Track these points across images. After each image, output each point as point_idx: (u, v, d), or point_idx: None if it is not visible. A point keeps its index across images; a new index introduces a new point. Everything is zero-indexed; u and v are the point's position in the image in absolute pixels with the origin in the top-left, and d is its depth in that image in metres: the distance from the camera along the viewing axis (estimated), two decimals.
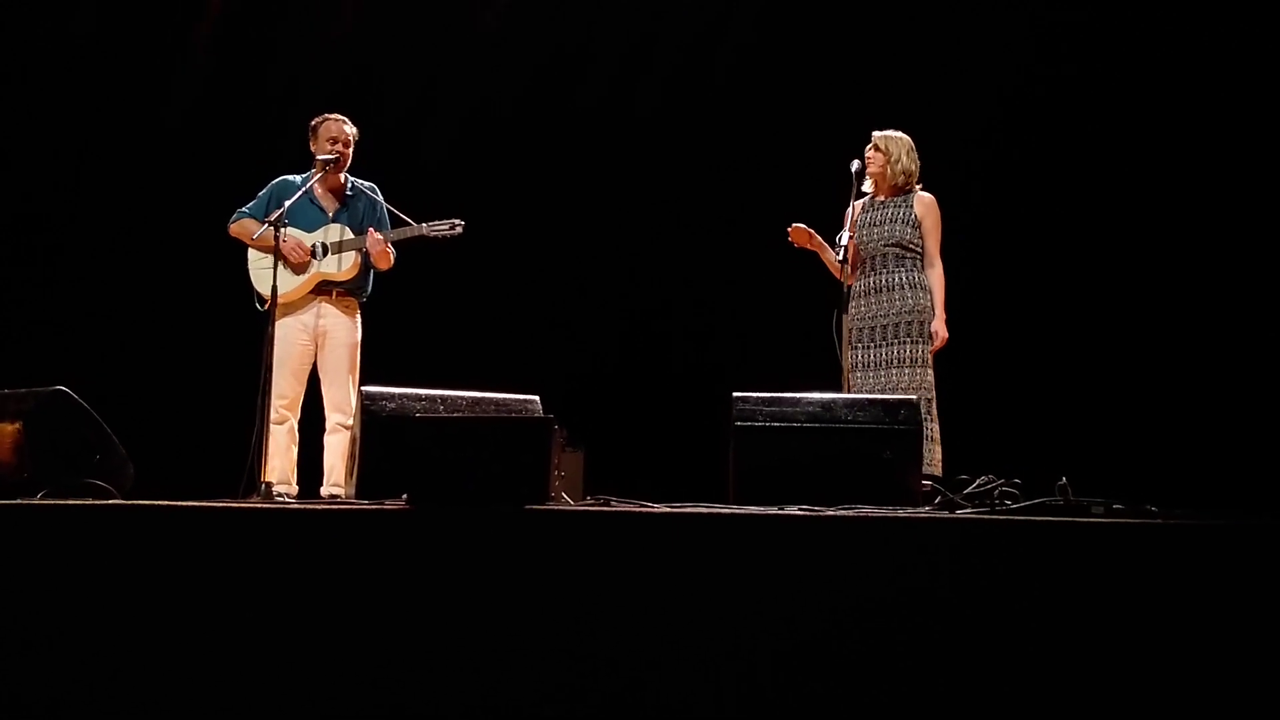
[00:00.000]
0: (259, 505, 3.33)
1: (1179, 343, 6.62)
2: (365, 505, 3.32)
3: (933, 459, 4.94)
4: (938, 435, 5.03)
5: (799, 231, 5.25)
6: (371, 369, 5.32)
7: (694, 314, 7.23)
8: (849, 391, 4.98)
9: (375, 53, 7.08)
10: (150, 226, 6.87)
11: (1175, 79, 6.69)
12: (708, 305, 7.20)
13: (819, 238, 5.25)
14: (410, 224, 5.25)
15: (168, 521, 3.06)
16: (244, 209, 5.35)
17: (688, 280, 7.23)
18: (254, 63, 7.01)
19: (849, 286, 5.15)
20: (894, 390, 5.03)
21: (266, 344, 4.84)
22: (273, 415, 5.10)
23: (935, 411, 5.06)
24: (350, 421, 5.00)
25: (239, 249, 5.37)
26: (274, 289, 4.95)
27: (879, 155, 5.23)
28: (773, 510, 3.35)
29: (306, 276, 5.25)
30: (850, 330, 5.17)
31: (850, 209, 5.24)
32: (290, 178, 5.35)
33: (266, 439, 4.75)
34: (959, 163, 6.03)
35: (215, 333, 6.43)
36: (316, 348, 5.29)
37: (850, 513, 3.32)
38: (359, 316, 5.37)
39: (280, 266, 5.12)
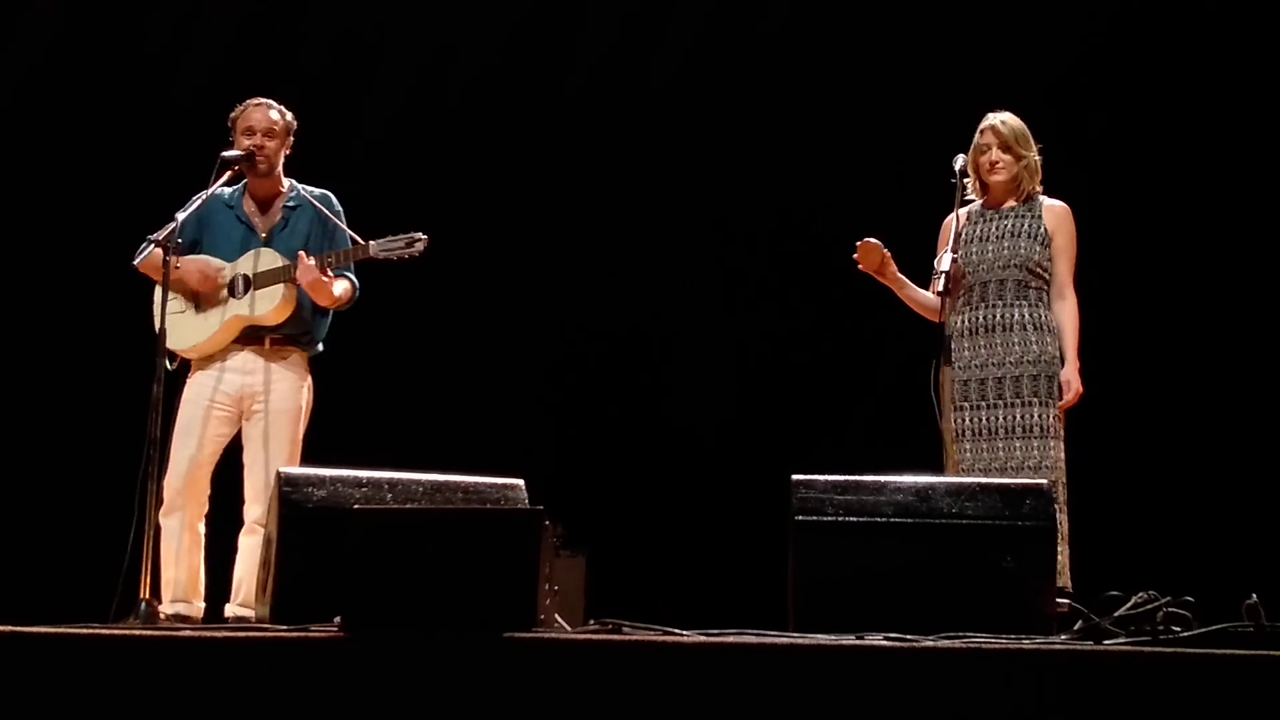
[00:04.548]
0: (132, 632, 3.29)
1: None
2: (282, 632, 3.33)
3: (1059, 565, 4.88)
4: (1066, 532, 4.97)
5: (869, 250, 5.16)
6: (305, 443, 5.30)
7: (737, 367, 7.21)
8: (953, 471, 4.91)
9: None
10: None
11: None
12: (756, 354, 7.19)
13: (894, 266, 5.20)
14: (357, 241, 5.24)
15: (12, 651, 3.07)
16: (156, 235, 5.19)
17: (727, 322, 7.22)
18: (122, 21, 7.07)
19: (949, 328, 5.09)
20: (1010, 469, 5.02)
21: (153, 409, 4.82)
22: (162, 505, 5.07)
23: (1064, 500, 5.01)
24: None
25: (125, 289, 5.35)
26: (161, 334, 4.92)
27: (1007, 157, 5.17)
28: (848, 639, 3.33)
29: (221, 320, 5.22)
30: (954, 385, 5.10)
31: (953, 219, 5.18)
32: (220, 191, 5.33)
33: (149, 539, 4.70)
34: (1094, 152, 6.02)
35: (97, 402, 6.46)
36: (241, 415, 5.26)
37: (956, 644, 3.28)
38: (308, 375, 5.36)
39: (184, 306, 5.12)
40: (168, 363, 5.11)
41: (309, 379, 5.34)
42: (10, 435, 6.83)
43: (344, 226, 5.34)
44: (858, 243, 5.19)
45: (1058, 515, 4.84)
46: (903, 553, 3.81)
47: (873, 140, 6.88)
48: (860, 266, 5.21)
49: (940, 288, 5.07)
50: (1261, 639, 3.54)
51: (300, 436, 5.29)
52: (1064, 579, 4.89)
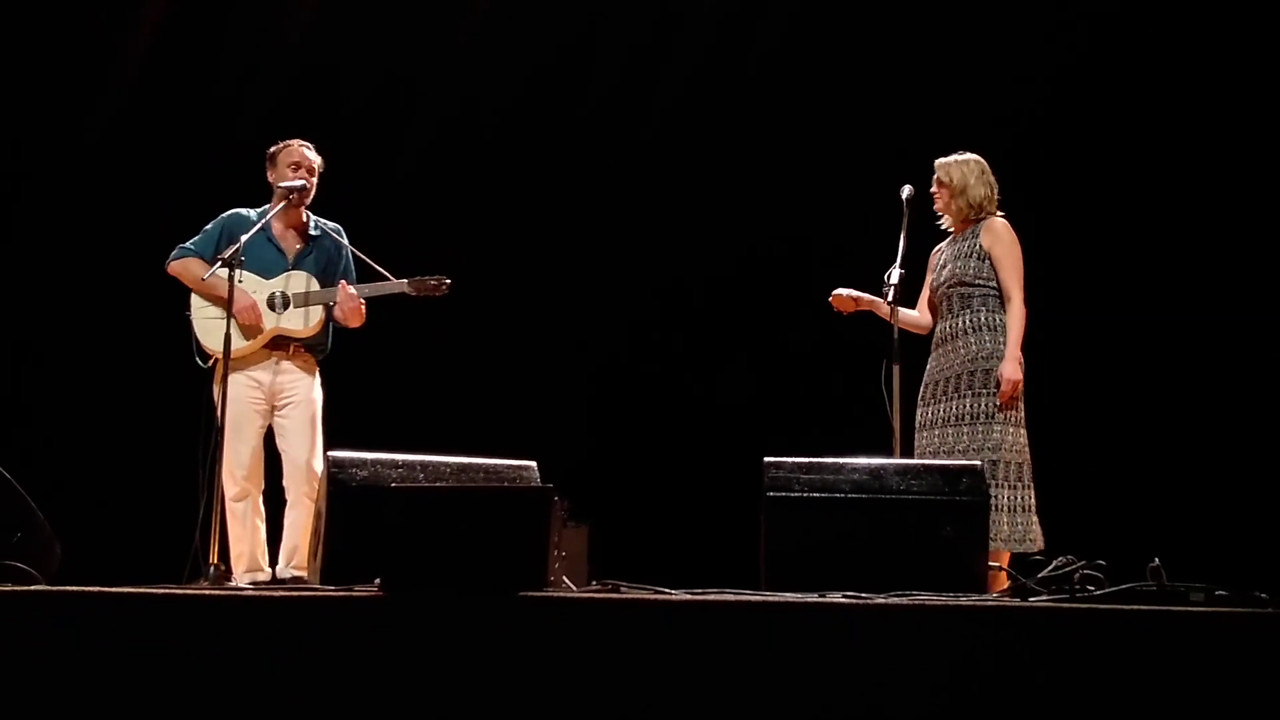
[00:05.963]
0: (203, 592, 3.32)
1: None
2: (330, 591, 3.33)
3: (1032, 533, 4.93)
4: (1032, 504, 4.98)
5: (839, 300, 5.25)
6: (339, 432, 5.32)
7: (720, 364, 7.22)
8: (901, 456, 4.95)
9: (335, 59, 7.13)
10: (68, 263, 6.87)
11: None
12: (736, 353, 7.20)
13: (866, 295, 5.23)
14: (388, 278, 5.27)
15: (99, 609, 3.06)
16: (187, 244, 5.33)
17: (712, 324, 7.23)
18: (194, 71, 7.03)
19: (898, 332, 5.12)
20: (950, 453, 5.01)
21: (217, 405, 4.83)
22: (231, 491, 5.11)
23: (1027, 477, 5.00)
24: (314, 492, 4.98)
25: (178, 293, 5.37)
26: (226, 340, 4.97)
27: (944, 190, 5.22)
28: (811, 598, 3.35)
29: (262, 331, 5.27)
30: (923, 387, 5.17)
31: (900, 243, 5.22)
32: (243, 211, 5.37)
33: (216, 515, 4.75)
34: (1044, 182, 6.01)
35: (160, 390, 6.44)
36: (272, 409, 5.30)
37: (903, 601, 3.29)
38: (318, 375, 5.41)
39: (223, 314, 5.15)
40: (201, 361, 5.17)
41: (319, 379, 5.37)
42: (89, 427, 6.81)
43: (352, 254, 5.37)
44: (829, 298, 5.24)
45: (1005, 490, 4.90)
46: (858, 523, 3.84)
47: (843, 173, 6.84)
48: (842, 313, 5.26)
49: (891, 298, 5.11)
50: (1162, 596, 3.55)
51: (320, 424, 5.31)
52: (1038, 544, 4.87)
